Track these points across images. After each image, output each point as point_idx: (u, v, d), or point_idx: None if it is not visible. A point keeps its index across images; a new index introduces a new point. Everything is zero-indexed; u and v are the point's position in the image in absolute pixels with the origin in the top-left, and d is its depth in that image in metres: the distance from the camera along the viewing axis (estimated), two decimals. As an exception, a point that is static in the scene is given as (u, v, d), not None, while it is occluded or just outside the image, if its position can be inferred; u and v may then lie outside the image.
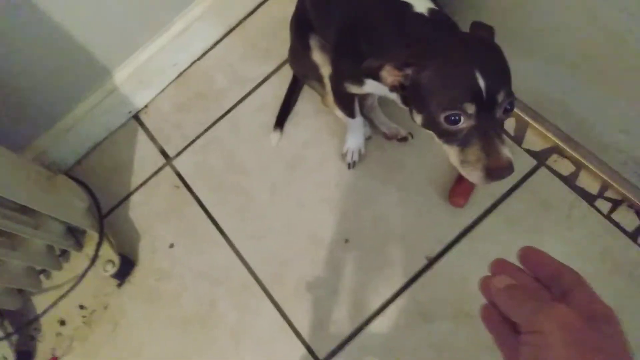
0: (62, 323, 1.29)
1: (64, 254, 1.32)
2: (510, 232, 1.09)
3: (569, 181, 1.09)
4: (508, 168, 0.67)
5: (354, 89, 0.94)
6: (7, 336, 1.20)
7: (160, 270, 1.27)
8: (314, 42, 1.10)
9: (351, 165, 1.22)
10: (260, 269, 1.21)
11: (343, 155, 1.23)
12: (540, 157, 1.12)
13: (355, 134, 1.19)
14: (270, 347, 1.15)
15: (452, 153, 0.71)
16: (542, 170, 1.11)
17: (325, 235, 1.20)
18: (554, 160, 1.11)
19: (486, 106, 0.66)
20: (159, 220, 1.32)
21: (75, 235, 1.27)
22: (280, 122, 1.30)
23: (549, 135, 1.10)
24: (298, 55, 1.17)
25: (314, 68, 1.12)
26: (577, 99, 0.95)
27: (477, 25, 0.76)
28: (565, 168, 1.10)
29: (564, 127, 1.08)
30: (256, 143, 1.31)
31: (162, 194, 1.34)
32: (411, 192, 1.18)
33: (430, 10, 0.78)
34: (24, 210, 1.07)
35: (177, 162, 1.35)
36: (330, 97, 1.19)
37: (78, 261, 1.30)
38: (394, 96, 0.81)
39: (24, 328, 1.26)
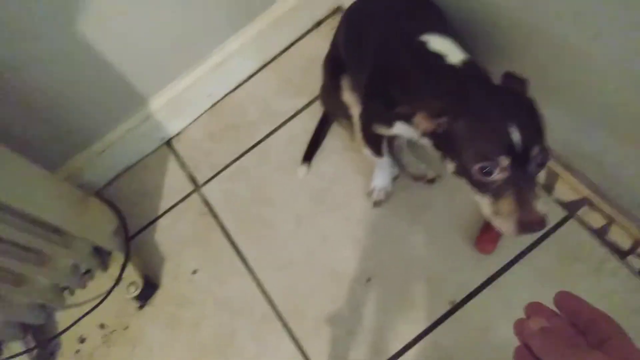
0: (82, 341, 1.31)
1: (89, 272, 1.35)
2: (537, 282, 1.07)
3: (599, 235, 1.08)
4: (541, 222, 0.67)
5: (382, 130, 0.96)
6: (28, 350, 1.22)
7: (182, 295, 1.29)
8: (345, 83, 1.12)
9: (377, 204, 1.23)
10: (281, 301, 1.21)
11: (369, 194, 1.24)
12: (571, 209, 1.11)
13: (382, 172, 1.20)
14: (286, 383, 1.14)
15: (484, 203, 0.72)
16: (572, 222, 1.10)
17: (347, 272, 1.20)
18: (584, 213, 1.10)
19: (520, 159, 0.66)
20: (184, 245, 1.34)
21: (101, 255, 1.30)
22: (308, 156, 1.32)
23: (581, 187, 1.09)
24: (329, 94, 1.20)
25: (344, 107, 1.15)
26: (611, 154, 0.95)
27: (509, 77, 0.77)
28: (596, 221, 1.09)
29: (596, 180, 1.07)
30: (284, 175, 1.34)
31: (189, 220, 1.36)
32: (437, 235, 1.17)
33: (464, 62, 0.79)
34: (54, 229, 1.10)
35: (205, 190, 1.38)
36: (357, 137, 1.22)
37: (102, 281, 1.32)
38: (425, 141, 0.81)
39: (46, 343, 1.28)
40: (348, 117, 1.18)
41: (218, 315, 1.24)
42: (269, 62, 1.48)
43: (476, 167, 0.68)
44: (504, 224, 0.69)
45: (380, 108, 0.91)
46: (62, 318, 1.33)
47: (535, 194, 0.68)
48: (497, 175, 0.68)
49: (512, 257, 1.11)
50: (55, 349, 1.31)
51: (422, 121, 0.74)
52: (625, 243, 1.06)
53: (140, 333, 1.27)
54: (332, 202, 1.28)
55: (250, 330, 1.21)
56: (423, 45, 0.81)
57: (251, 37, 1.39)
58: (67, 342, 1.31)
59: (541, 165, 0.69)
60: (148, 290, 1.27)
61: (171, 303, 1.29)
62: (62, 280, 1.24)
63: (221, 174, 1.39)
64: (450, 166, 0.75)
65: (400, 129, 0.89)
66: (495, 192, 0.69)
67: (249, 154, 1.39)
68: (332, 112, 1.30)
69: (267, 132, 1.40)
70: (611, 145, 0.92)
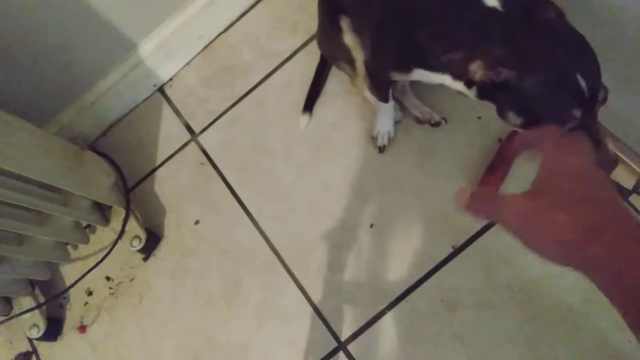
0: (90, 293, 1.37)
1: (90, 226, 1.39)
2: (539, 224, 1.10)
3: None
4: (616, 161, 0.72)
5: (398, 76, 0.94)
6: (39, 306, 1.28)
7: (186, 246, 1.33)
8: (345, 24, 1.09)
9: (382, 149, 1.24)
10: (284, 249, 1.25)
11: (373, 139, 1.24)
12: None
13: (386, 117, 1.19)
14: (293, 327, 1.20)
15: None
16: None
17: (350, 219, 1.23)
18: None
19: (588, 105, 0.69)
20: (185, 196, 1.36)
21: (101, 209, 1.33)
22: (309, 104, 1.30)
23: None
24: (328, 37, 1.17)
25: (345, 50, 1.12)
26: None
27: (535, 3, 0.74)
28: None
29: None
30: (282, 122, 1.33)
31: (188, 169, 1.38)
32: (440, 179, 1.19)
33: (504, 2, 0.73)
34: (51, 187, 1.12)
35: (202, 139, 1.39)
36: (360, 79, 1.20)
37: (104, 233, 1.36)
38: (466, 90, 0.80)
39: (54, 297, 1.34)
40: (350, 60, 1.15)
41: (222, 265, 1.29)
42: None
43: (550, 122, 0.70)
44: None
45: (399, 53, 0.88)
46: (68, 271, 1.38)
47: (605, 134, 0.71)
48: (570, 125, 0.70)
49: (515, 200, 1.13)
50: (64, 302, 1.37)
51: (479, 70, 0.72)
52: (628, 183, 1.08)
53: (147, 284, 1.33)
54: (333, 148, 1.28)
55: (255, 278, 1.26)
56: None
57: (241, -28, 1.35)
58: (75, 295, 1.36)
59: (603, 103, 0.71)
60: (151, 242, 1.31)
61: (175, 254, 1.33)
62: (64, 237, 1.27)
63: (217, 122, 1.38)
64: (517, 120, 0.74)
65: (420, 74, 0.87)
66: None
67: (245, 99, 1.38)
68: (332, 56, 1.26)
69: (263, 75, 1.38)
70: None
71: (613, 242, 0.37)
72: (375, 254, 1.19)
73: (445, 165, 1.20)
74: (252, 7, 1.44)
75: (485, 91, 0.76)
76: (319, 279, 1.21)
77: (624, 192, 1.08)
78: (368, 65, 1.04)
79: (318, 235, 1.24)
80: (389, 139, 1.23)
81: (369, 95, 1.22)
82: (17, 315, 1.27)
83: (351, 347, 1.16)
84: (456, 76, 0.79)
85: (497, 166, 1.12)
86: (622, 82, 0.93)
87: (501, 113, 0.77)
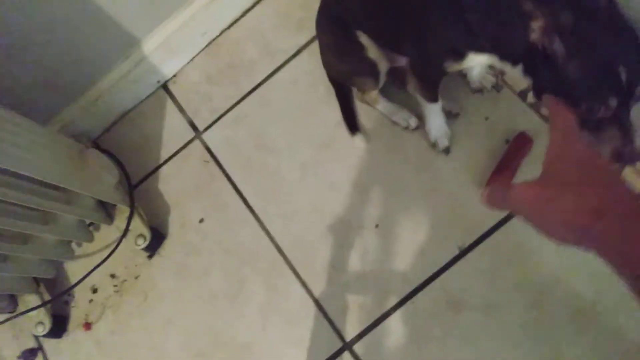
0: (95, 291, 1.39)
1: (94, 224, 1.41)
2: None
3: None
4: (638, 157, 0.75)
5: (452, 66, 0.94)
6: (45, 304, 1.31)
7: (190, 244, 1.35)
8: (365, 40, 1.08)
9: (447, 151, 1.21)
10: (290, 249, 1.27)
11: (433, 146, 1.22)
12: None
13: (437, 118, 1.17)
14: (298, 327, 1.22)
15: (584, 136, 0.76)
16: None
17: (355, 218, 1.24)
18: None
19: (625, 97, 0.71)
20: (189, 194, 1.38)
21: (105, 208, 1.35)
22: (353, 125, 1.26)
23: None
24: (346, 55, 1.15)
25: (371, 65, 1.12)
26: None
27: None
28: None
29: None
30: (287, 120, 1.34)
31: (192, 167, 1.39)
32: (446, 179, 1.20)
33: None
34: (55, 186, 1.13)
35: (206, 136, 1.40)
36: (371, 94, 1.21)
37: (109, 231, 1.38)
38: (507, 67, 0.82)
39: (59, 295, 1.37)
40: (374, 74, 1.14)
41: (227, 263, 1.31)
42: (265, -4, 1.45)
43: (584, 106, 0.72)
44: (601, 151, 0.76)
45: (453, 39, 0.89)
46: (73, 268, 1.40)
47: (634, 128, 0.74)
48: (602, 114, 0.72)
49: (522, 201, 1.15)
50: (69, 299, 1.39)
51: (538, 30, 0.72)
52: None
53: (151, 282, 1.35)
54: (338, 147, 1.30)
55: (260, 278, 1.27)
56: None
57: (244, -32, 1.36)
58: (80, 292, 1.39)
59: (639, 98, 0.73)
60: (156, 241, 1.33)
61: (180, 252, 1.35)
62: (68, 235, 1.29)
63: (221, 120, 1.40)
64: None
65: (472, 60, 0.89)
66: (595, 126, 0.74)
67: (249, 97, 1.39)
68: (347, 75, 1.22)
69: (268, 73, 1.39)
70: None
71: (614, 220, 0.42)
72: (381, 254, 1.21)
73: (451, 166, 1.21)
74: (256, 3, 1.45)
75: (531, 64, 0.78)
76: (324, 279, 1.23)
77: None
78: (417, 66, 1.04)
79: (323, 235, 1.25)
80: (448, 138, 1.20)
81: (380, 106, 1.24)
82: (22, 313, 1.29)
83: (357, 348, 1.18)
84: (503, 56, 0.82)
85: (504, 167, 1.13)
86: None
87: (538, 92, 0.79)
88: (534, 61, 0.76)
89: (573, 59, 0.71)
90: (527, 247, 1.11)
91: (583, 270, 1.07)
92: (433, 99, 1.11)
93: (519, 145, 1.15)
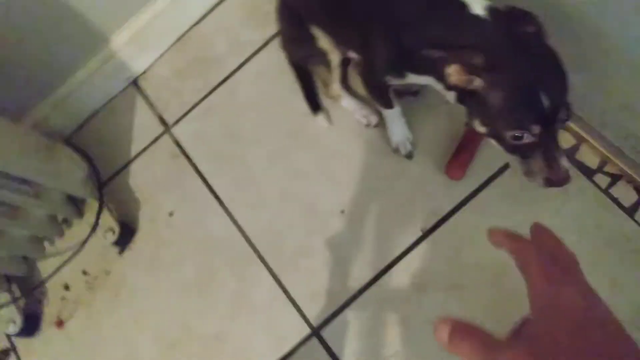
0: (67, 288, 1.42)
1: (67, 220, 1.45)
2: (506, 205, 1.16)
3: (569, 154, 1.15)
4: (567, 178, 0.79)
5: (393, 80, 1.00)
6: (15, 300, 1.34)
7: (161, 238, 1.39)
8: (316, 31, 1.14)
9: (410, 156, 1.24)
10: (258, 238, 1.31)
11: (395, 151, 1.25)
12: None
13: (396, 124, 1.21)
14: (267, 315, 1.26)
15: (513, 161, 0.83)
16: (543, 143, 1.18)
17: (321, 205, 1.29)
18: (555, 133, 1.18)
19: (548, 122, 0.75)
20: (159, 188, 1.42)
21: (75, 203, 1.39)
22: (315, 105, 1.32)
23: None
24: (300, 44, 1.22)
25: (321, 54, 1.18)
26: (578, 75, 1.01)
27: (517, 14, 0.80)
28: (566, 141, 1.16)
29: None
30: (255, 111, 1.39)
31: (161, 162, 1.44)
32: (409, 164, 1.25)
33: (489, 10, 0.79)
34: (23, 179, 1.17)
35: (175, 130, 1.45)
36: (334, 87, 1.27)
37: (80, 227, 1.42)
38: (448, 94, 0.87)
39: (31, 292, 1.40)
40: (326, 63, 1.21)
41: (197, 255, 1.35)
42: (233, -10, 1.50)
43: (508, 134, 0.77)
44: (533, 180, 0.81)
45: (392, 56, 0.93)
46: (46, 267, 1.44)
47: (561, 152, 0.79)
48: (527, 140, 0.77)
49: (481, 182, 1.19)
50: (41, 297, 1.43)
51: (455, 74, 0.78)
52: (593, 162, 1.14)
53: (123, 277, 1.39)
54: (305, 136, 1.34)
55: (230, 268, 1.31)
56: None
57: (210, -37, 1.41)
58: (53, 289, 1.42)
59: (565, 122, 0.78)
60: (126, 235, 1.37)
61: (150, 246, 1.39)
62: (38, 230, 1.33)
63: (191, 113, 1.44)
64: (482, 129, 0.82)
65: (415, 78, 0.94)
66: (524, 152, 0.80)
67: (218, 90, 1.44)
68: (303, 60, 1.30)
69: (236, 65, 1.44)
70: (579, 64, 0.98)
71: None
72: (347, 239, 1.25)
73: (414, 150, 1.25)
74: (224, -2, 1.51)
75: (463, 99, 0.84)
76: (292, 266, 1.27)
77: (588, 172, 1.14)
78: (363, 74, 1.10)
79: (290, 223, 1.30)
80: (411, 143, 1.24)
81: (344, 102, 1.29)
82: (-7, 310, 1.33)
83: (324, 333, 1.21)
84: (438, 78, 0.85)
85: (463, 148, 1.18)
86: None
87: (469, 119, 0.84)
88: (462, 93, 0.82)
89: (493, 90, 0.76)
90: (485, 227, 1.15)
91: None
92: (386, 105, 1.15)
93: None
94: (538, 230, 0.48)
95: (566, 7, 0.90)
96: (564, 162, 0.79)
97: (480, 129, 0.83)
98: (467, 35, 0.79)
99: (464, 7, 0.80)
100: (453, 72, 0.78)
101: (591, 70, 0.98)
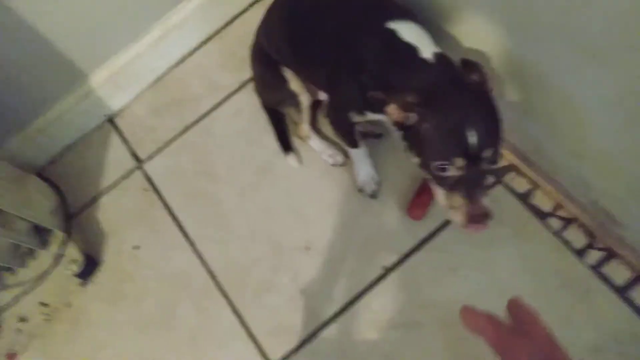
0: (23, 320, 1.40)
1: (31, 251, 1.44)
2: (465, 246, 1.20)
3: (523, 198, 1.22)
4: (486, 216, 0.83)
5: (357, 118, 1.07)
6: (-33, 331, 1.32)
7: (125, 271, 1.39)
8: (288, 74, 1.22)
9: (374, 195, 1.30)
10: (222, 274, 1.33)
11: (360, 191, 1.31)
12: (499, 175, 1.25)
13: (362, 163, 1.27)
14: (226, 351, 1.26)
15: (439, 194, 0.88)
16: (499, 188, 1.24)
17: (287, 241, 1.32)
18: (511, 178, 1.24)
19: (474, 159, 0.81)
20: (127, 222, 1.44)
21: (41, 234, 1.39)
22: (286, 145, 1.39)
23: (508, 154, 1.23)
24: (271, 86, 1.30)
25: (292, 96, 1.25)
26: (533, 124, 1.10)
27: (466, 64, 0.90)
28: (522, 186, 1.23)
29: (522, 148, 1.21)
30: (228, 149, 1.44)
31: (131, 196, 1.46)
32: (372, 203, 1.30)
33: (436, 55, 0.89)
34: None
35: (148, 166, 1.48)
36: (303, 127, 1.33)
37: (44, 259, 1.41)
38: (395, 130, 0.94)
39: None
40: (296, 104, 1.28)
41: (160, 289, 1.35)
42: (212, 36, 1.58)
43: (434, 164, 0.83)
44: (455, 215, 0.86)
45: (353, 94, 1.00)
46: (4, 298, 1.42)
47: (484, 191, 0.84)
48: (452, 173, 0.83)
49: (440, 223, 1.24)
50: (-5, 328, 1.41)
51: (394, 112, 0.86)
52: (547, 206, 1.20)
53: (84, 310, 1.38)
54: (275, 174, 1.39)
55: (192, 303, 1.32)
56: (393, 35, 0.91)
57: (192, 10, 1.48)
58: (8, 321, 1.39)
59: (492, 163, 0.84)
60: (89, 267, 1.37)
61: (114, 279, 1.39)
62: (0, 259, 1.33)
63: (164, 150, 1.49)
64: (415, 160, 0.89)
65: (373, 116, 1.02)
66: (450, 186, 0.85)
67: (193, 128, 1.49)
68: (275, 103, 1.37)
69: (211, 106, 1.50)
70: (533, 115, 1.06)
71: None
72: (310, 276, 1.28)
73: (379, 190, 1.30)
74: (204, 43, 1.58)
75: (405, 134, 0.90)
76: (255, 302, 1.28)
77: (542, 215, 1.20)
78: (329, 111, 1.18)
79: (256, 258, 1.32)
80: (376, 183, 1.29)
81: (312, 143, 1.36)
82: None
83: (283, 370, 1.22)
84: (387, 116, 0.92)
85: (424, 190, 1.24)
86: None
87: (407, 152, 0.91)
88: (403, 127, 0.89)
89: (424, 122, 0.84)
90: (447, 266, 1.20)
91: (494, 290, 1.16)
92: (351, 144, 1.22)
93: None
94: (514, 307, 0.53)
95: (519, 62, 0.99)
96: (485, 202, 0.83)
97: (414, 159, 0.89)
98: (412, 75, 0.89)
99: (415, 51, 0.89)
100: (392, 110, 0.87)
101: (543, 118, 1.06)
